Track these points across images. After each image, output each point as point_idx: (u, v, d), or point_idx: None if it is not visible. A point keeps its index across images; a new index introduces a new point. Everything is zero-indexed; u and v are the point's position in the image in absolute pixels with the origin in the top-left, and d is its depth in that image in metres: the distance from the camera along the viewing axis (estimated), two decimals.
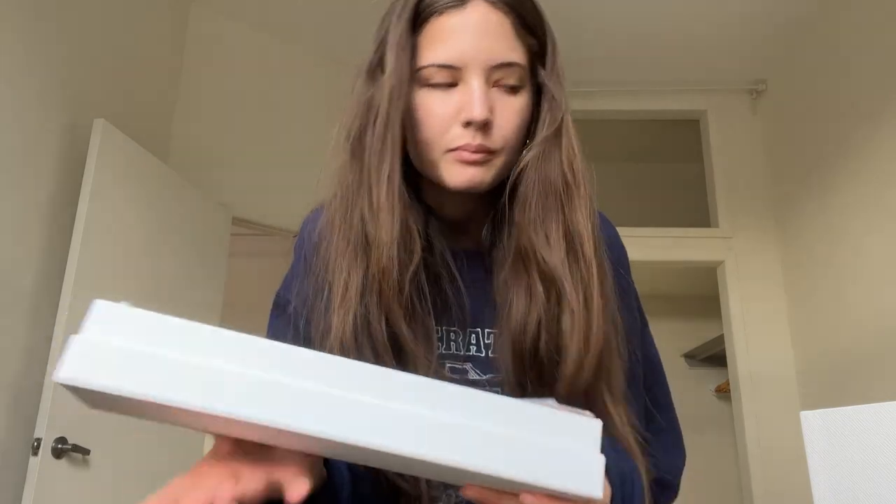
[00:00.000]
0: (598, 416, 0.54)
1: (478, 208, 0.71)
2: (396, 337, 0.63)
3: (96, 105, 2.43)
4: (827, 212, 2.97)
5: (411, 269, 0.63)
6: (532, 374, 0.63)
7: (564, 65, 0.69)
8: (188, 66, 3.09)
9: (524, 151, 0.66)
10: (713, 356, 4.10)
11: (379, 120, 0.64)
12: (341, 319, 0.62)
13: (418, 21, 0.64)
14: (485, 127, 0.62)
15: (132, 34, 2.71)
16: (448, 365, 0.69)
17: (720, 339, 3.56)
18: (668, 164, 4.13)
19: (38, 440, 1.95)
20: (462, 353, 0.69)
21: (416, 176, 0.69)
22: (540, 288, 0.63)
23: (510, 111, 0.64)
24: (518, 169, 0.66)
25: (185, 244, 2.68)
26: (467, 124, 0.62)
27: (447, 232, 0.70)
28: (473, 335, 0.70)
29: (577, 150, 0.66)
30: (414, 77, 0.64)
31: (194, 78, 3.09)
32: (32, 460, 1.95)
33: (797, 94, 3.28)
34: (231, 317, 5.52)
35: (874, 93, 2.64)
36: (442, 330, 0.69)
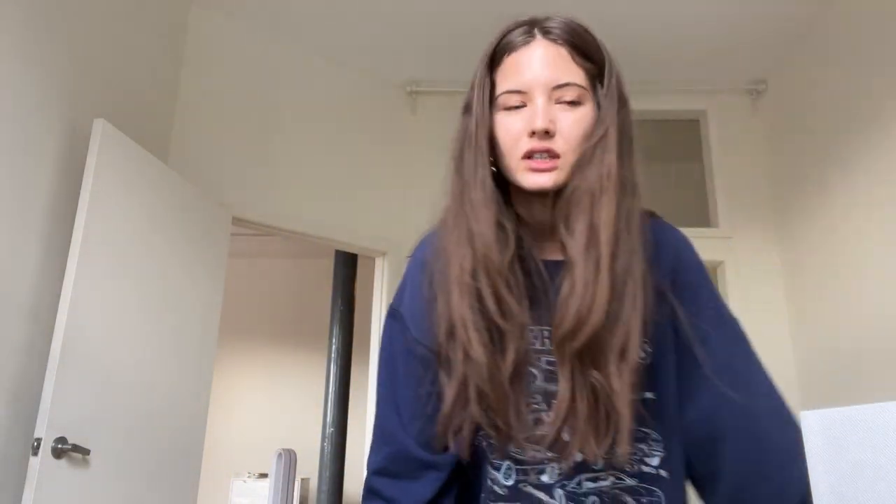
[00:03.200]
0: (600, 378, 0.72)
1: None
2: (502, 313, 0.76)
3: (96, 105, 2.43)
4: (827, 212, 2.97)
5: (508, 255, 0.78)
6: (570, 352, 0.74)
7: (623, 83, 0.82)
8: (188, 66, 3.09)
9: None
10: None
11: (471, 141, 0.80)
12: (458, 295, 0.76)
13: (496, 61, 0.83)
14: (546, 134, 0.76)
15: (132, 34, 2.71)
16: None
17: None
18: (668, 163, 4.13)
19: (38, 440, 1.95)
20: (537, 346, 0.81)
21: (506, 191, 0.83)
22: (568, 278, 0.75)
23: (570, 121, 0.78)
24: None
25: (185, 244, 2.68)
26: (532, 134, 0.77)
27: (537, 237, 0.84)
28: (547, 331, 0.81)
29: (615, 161, 0.77)
30: (494, 104, 0.81)
31: (194, 78, 3.09)
32: (32, 460, 1.95)
33: (797, 94, 3.28)
34: (231, 317, 5.53)
35: (874, 93, 2.64)
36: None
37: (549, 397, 0.78)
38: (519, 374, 0.76)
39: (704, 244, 3.40)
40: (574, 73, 0.78)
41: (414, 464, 0.82)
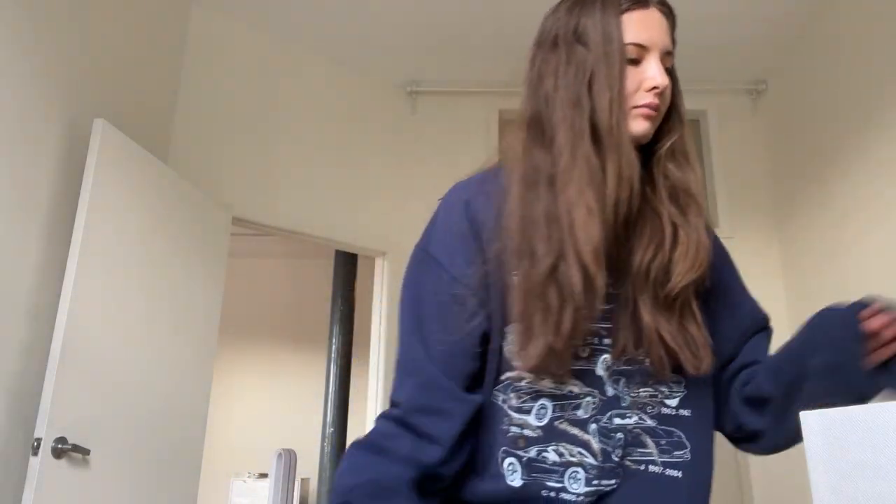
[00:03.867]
0: (685, 318, 0.83)
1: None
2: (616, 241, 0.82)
3: (96, 105, 2.43)
4: (827, 212, 2.97)
5: (635, 195, 0.83)
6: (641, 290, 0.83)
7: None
8: (188, 66, 3.09)
9: (667, 126, 0.87)
10: None
11: (606, 72, 0.82)
12: (585, 217, 0.78)
13: (621, 10, 0.85)
14: (662, 93, 0.83)
15: (132, 34, 2.71)
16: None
17: None
18: None
19: (38, 440, 1.95)
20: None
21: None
22: (662, 227, 0.84)
23: (670, 87, 0.86)
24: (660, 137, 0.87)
25: (185, 244, 2.68)
26: (652, 88, 0.82)
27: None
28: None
29: (685, 128, 0.88)
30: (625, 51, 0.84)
31: (194, 78, 3.09)
32: (32, 460, 1.95)
33: (797, 94, 3.28)
34: (231, 317, 5.53)
35: (874, 92, 2.64)
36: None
37: (600, 336, 0.83)
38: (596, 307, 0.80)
39: None
40: (671, 44, 0.87)
41: (441, 393, 0.80)
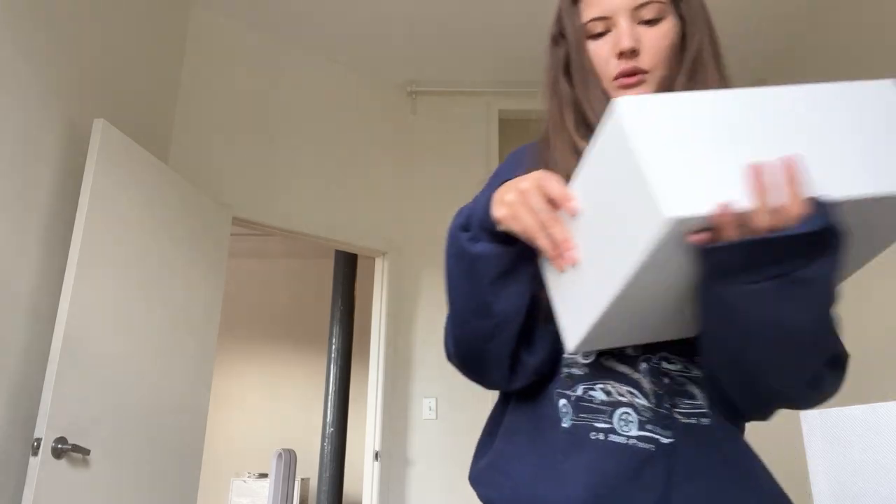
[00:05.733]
0: None
1: None
2: None
3: (96, 105, 2.43)
4: None
5: None
6: None
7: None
8: (188, 66, 3.09)
9: (679, 74, 0.82)
10: None
11: (576, 65, 0.85)
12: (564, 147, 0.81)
13: None
14: (632, 54, 0.80)
15: (132, 34, 2.71)
16: None
17: None
18: None
19: (38, 440, 1.95)
20: None
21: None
22: None
23: (654, 38, 0.81)
24: (668, 87, 0.82)
25: (185, 244, 2.68)
26: (620, 55, 0.80)
27: None
28: None
29: (717, 71, 0.82)
30: (583, 32, 0.84)
31: (194, 78, 3.09)
32: (32, 460, 1.95)
33: None
34: (231, 317, 5.52)
35: None
36: None
37: None
38: None
39: None
40: None
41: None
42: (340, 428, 4.59)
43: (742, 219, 0.57)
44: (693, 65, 0.82)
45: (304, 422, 5.61)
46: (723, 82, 0.82)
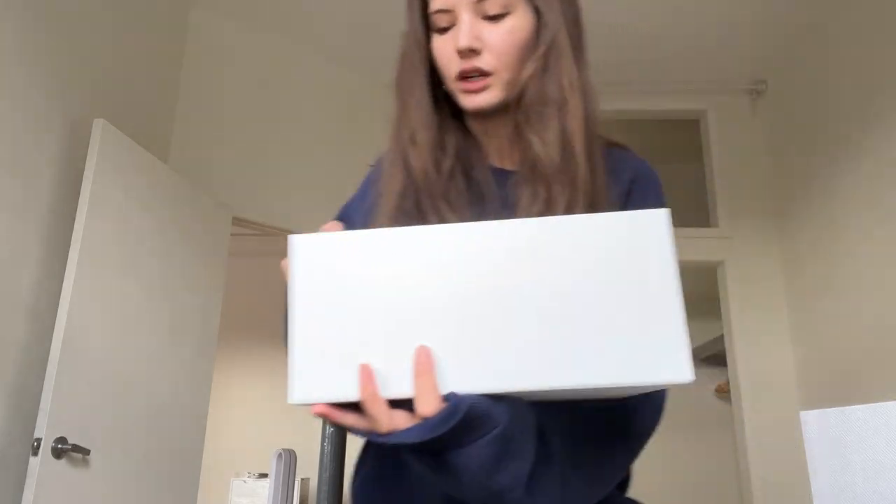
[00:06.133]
0: None
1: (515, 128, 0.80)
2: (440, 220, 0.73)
3: (96, 105, 2.43)
4: (827, 212, 2.97)
5: (445, 171, 0.76)
6: None
7: None
8: (188, 66, 3.09)
9: (523, 70, 0.75)
10: (713, 356, 4.10)
11: (407, 64, 0.79)
12: (389, 210, 0.74)
13: None
14: (472, 53, 0.73)
15: (132, 34, 2.71)
16: None
17: (720, 339, 3.56)
18: (668, 164, 4.12)
19: (38, 440, 1.95)
20: None
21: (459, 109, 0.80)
22: (539, 186, 0.72)
23: (498, 35, 0.74)
24: (521, 85, 0.75)
25: (185, 244, 2.68)
26: (460, 53, 0.74)
27: (494, 153, 0.82)
28: None
29: (573, 67, 0.74)
30: (427, 26, 0.78)
31: (194, 78, 3.09)
32: (32, 460, 1.95)
33: (797, 95, 3.28)
34: (231, 317, 5.52)
35: (874, 93, 2.64)
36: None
37: None
38: None
39: (704, 244, 3.44)
40: None
41: None
42: (340, 428, 4.58)
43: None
44: (544, 62, 0.74)
45: (304, 422, 5.61)
46: (580, 80, 0.75)
